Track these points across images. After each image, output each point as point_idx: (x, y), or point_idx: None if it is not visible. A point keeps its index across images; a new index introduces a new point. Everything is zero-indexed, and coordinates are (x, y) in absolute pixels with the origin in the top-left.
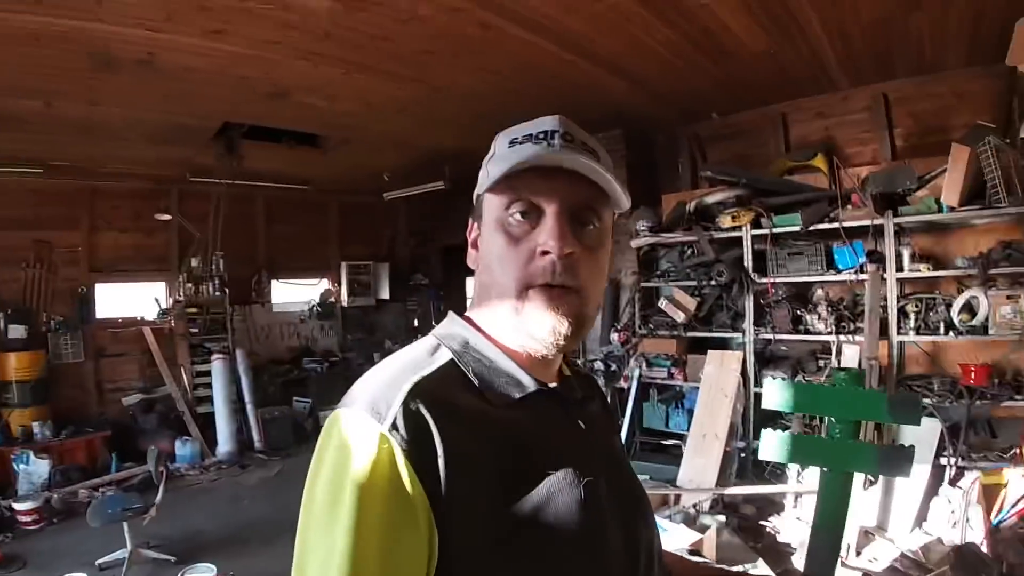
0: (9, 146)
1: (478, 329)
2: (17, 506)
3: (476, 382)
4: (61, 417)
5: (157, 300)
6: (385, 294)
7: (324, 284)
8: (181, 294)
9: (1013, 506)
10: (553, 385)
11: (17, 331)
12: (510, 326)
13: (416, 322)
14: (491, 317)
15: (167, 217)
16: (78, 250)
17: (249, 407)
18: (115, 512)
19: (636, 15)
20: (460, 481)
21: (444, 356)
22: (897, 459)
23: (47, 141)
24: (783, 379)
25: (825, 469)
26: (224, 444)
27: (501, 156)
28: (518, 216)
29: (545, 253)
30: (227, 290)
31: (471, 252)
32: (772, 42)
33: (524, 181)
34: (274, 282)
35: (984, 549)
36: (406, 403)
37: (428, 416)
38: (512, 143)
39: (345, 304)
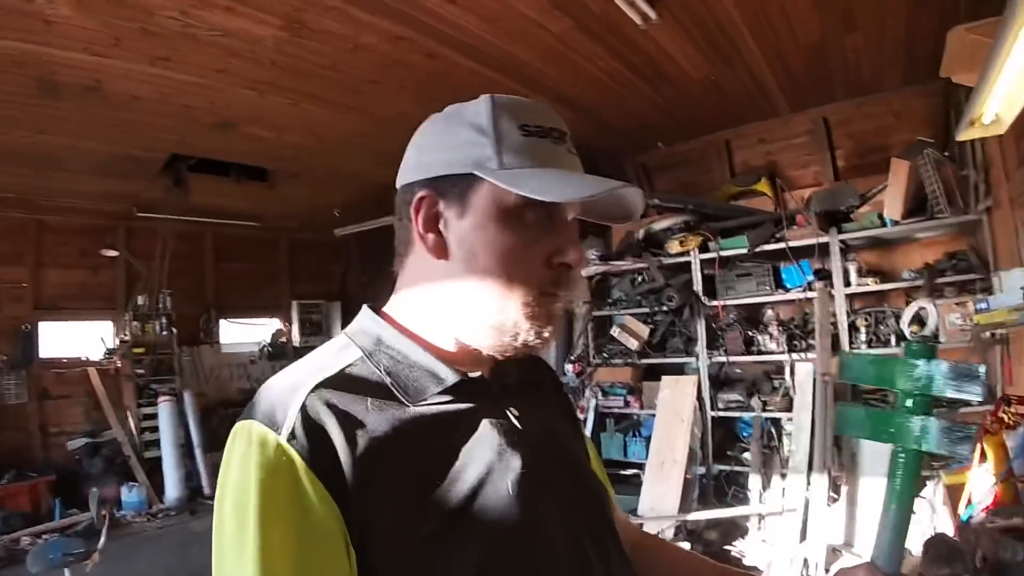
0: None
1: (394, 324)
2: None
3: (387, 379)
4: (3, 460)
5: (103, 339)
6: (338, 333)
7: (275, 324)
8: (127, 333)
9: (979, 502)
10: (477, 374)
11: None
12: (488, 326)
13: None
14: (428, 306)
15: (114, 253)
16: (23, 286)
17: (198, 451)
18: (56, 557)
19: (579, 44)
20: (370, 486)
21: (353, 354)
22: (960, 437)
23: None
24: (855, 354)
25: (898, 448)
26: (172, 490)
27: (517, 145)
28: (539, 218)
29: (564, 265)
30: (175, 330)
31: (427, 236)
32: (713, 69)
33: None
34: (223, 322)
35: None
36: (304, 409)
37: (330, 421)
38: (525, 131)
39: (297, 344)
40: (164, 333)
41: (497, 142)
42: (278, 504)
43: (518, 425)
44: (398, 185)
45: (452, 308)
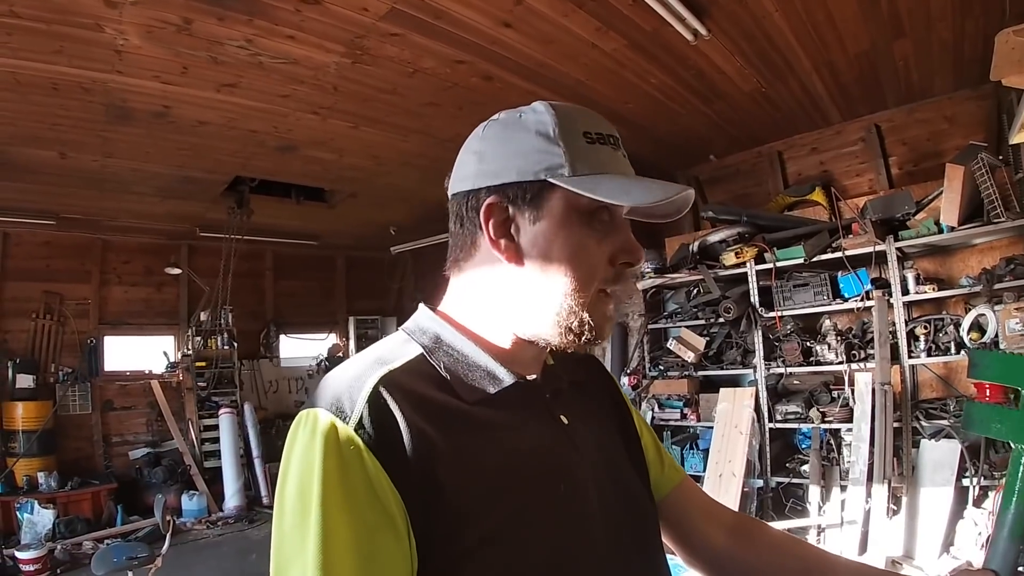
0: (23, 196)
1: (452, 323)
2: (20, 555)
3: (447, 376)
4: (67, 468)
5: (165, 353)
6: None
7: (332, 339)
8: (190, 348)
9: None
10: (533, 377)
11: (25, 381)
12: (557, 325)
13: None
14: (486, 307)
15: (177, 271)
16: (88, 302)
17: (257, 461)
18: (120, 561)
19: (631, 61)
20: (431, 481)
21: (414, 350)
22: None
23: (60, 193)
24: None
25: (1021, 447)
26: (231, 498)
27: (583, 151)
28: (606, 216)
29: (627, 264)
30: (235, 344)
31: (500, 241)
32: (763, 81)
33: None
34: (282, 337)
35: None
36: (372, 398)
37: (396, 412)
38: (588, 137)
39: None
40: (225, 347)
41: (567, 150)
42: (343, 490)
43: (570, 428)
44: (453, 191)
45: (521, 309)
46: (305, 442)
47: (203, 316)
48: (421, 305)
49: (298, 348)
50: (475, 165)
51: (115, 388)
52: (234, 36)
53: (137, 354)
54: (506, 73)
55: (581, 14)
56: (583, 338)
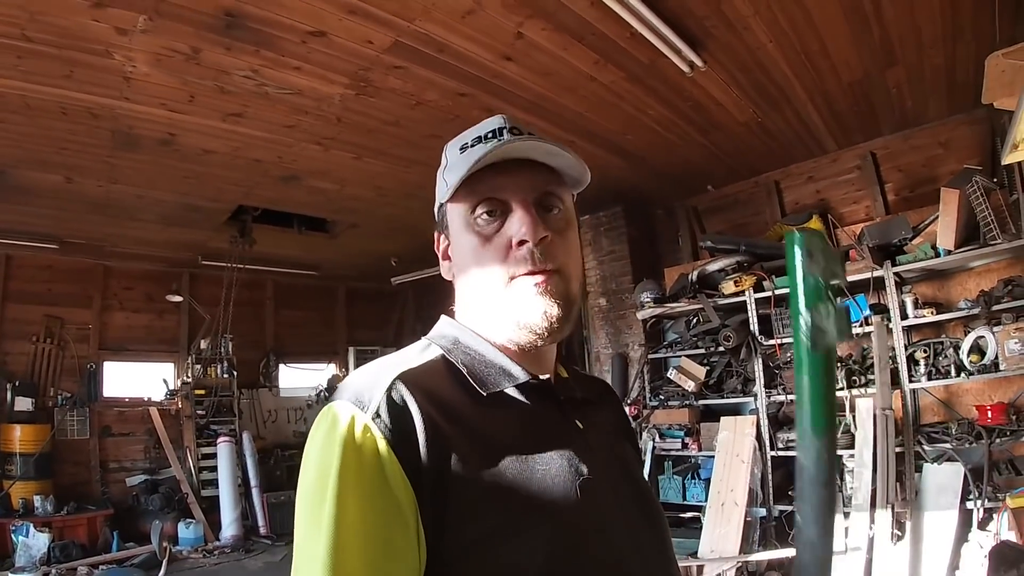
0: (27, 219)
1: (467, 328)
2: None
3: (465, 373)
4: (63, 492)
5: (165, 381)
6: None
7: (332, 369)
8: (189, 375)
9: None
10: (546, 377)
11: (24, 403)
12: (499, 319)
13: None
14: (478, 316)
15: (178, 299)
16: (89, 327)
17: (255, 491)
18: None
19: (629, 93)
20: (444, 473)
21: (434, 352)
22: None
23: (64, 217)
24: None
25: None
26: (228, 528)
27: (455, 163)
28: (485, 216)
29: (521, 243)
30: (235, 373)
31: (444, 264)
32: (759, 111)
33: (483, 181)
34: (282, 366)
35: None
36: (389, 391)
37: (412, 406)
38: (463, 148)
39: None
40: (225, 376)
41: (444, 170)
42: (356, 478)
43: (585, 434)
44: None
45: (476, 317)
46: (325, 431)
47: (203, 344)
48: (443, 315)
49: (298, 378)
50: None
51: (114, 414)
52: (241, 66)
53: (136, 380)
54: (507, 105)
55: (580, 47)
56: (531, 327)
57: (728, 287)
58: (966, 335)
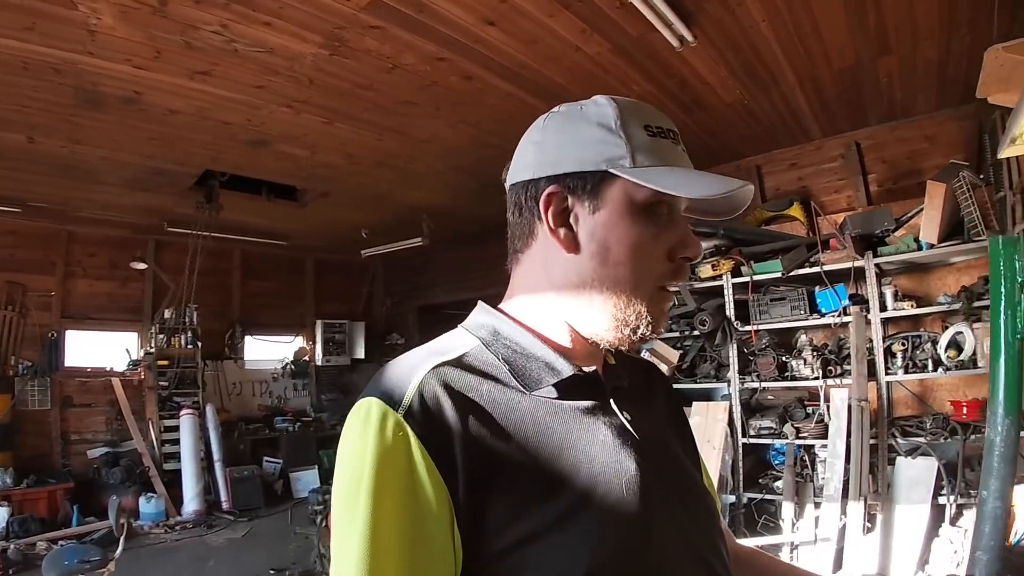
0: None
1: (509, 317)
2: None
3: (505, 367)
4: (23, 465)
5: (128, 351)
6: (360, 354)
7: (298, 342)
8: (153, 346)
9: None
10: (592, 369)
11: None
12: (613, 318)
13: None
14: (580, 305)
15: (143, 266)
16: (51, 295)
17: (217, 465)
18: (72, 564)
19: (614, 66)
20: (481, 471)
21: (471, 342)
22: None
23: (27, 179)
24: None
25: None
26: (190, 502)
27: (645, 144)
28: (665, 214)
29: (688, 259)
30: (200, 344)
31: (560, 231)
32: (746, 93)
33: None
34: (248, 338)
35: None
36: (422, 387)
37: (446, 401)
38: (649, 131)
39: (319, 363)
40: (189, 347)
41: (628, 142)
42: (390, 478)
43: (630, 428)
44: (511, 182)
45: (576, 300)
46: (357, 429)
47: (167, 313)
48: (480, 302)
49: (263, 350)
50: (535, 155)
51: (75, 384)
52: (209, 20)
53: (99, 350)
54: (487, 73)
55: (567, 15)
56: (639, 332)
57: (705, 271)
58: (944, 330)
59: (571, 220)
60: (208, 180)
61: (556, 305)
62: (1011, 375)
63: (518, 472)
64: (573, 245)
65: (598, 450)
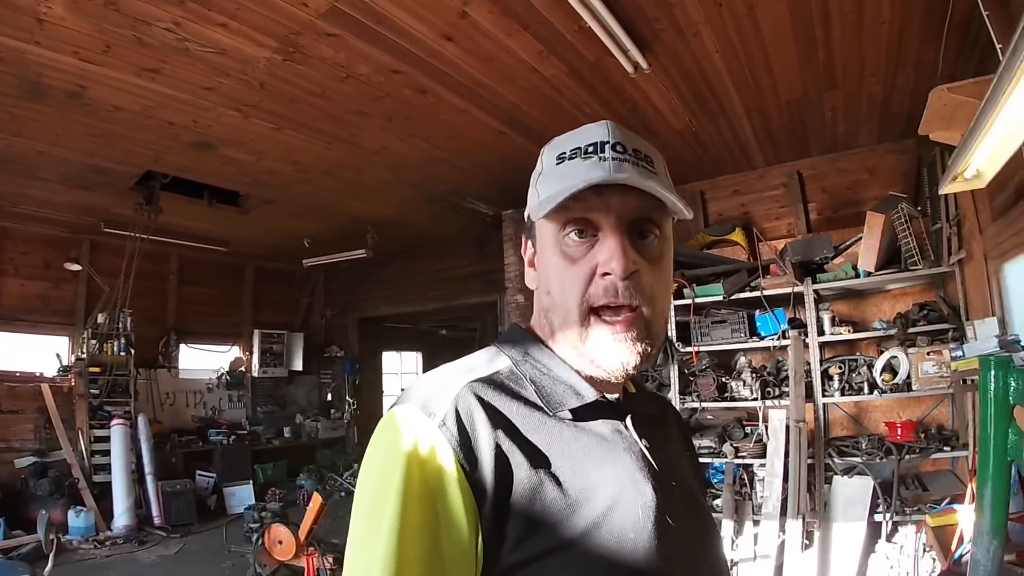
0: None
1: (540, 340)
2: None
3: (532, 387)
4: None
5: (59, 356)
6: (298, 365)
7: (235, 352)
8: (84, 351)
9: (971, 540)
10: (615, 397)
11: None
12: (575, 352)
13: (329, 396)
14: (555, 337)
15: (77, 267)
16: None
17: (149, 478)
18: None
19: (569, 89)
20: (507, 486)
21: (503, 362)
22: None
23: None
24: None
25: None
26: (121, 517)
27: (550, 174)
28: (574, 236)
29: (606, 274)
30: (133, 351)
31: (529, 271)
32: (694, 120)
33: (576, 199)
34: (182, 346)
35: None
36: (457, 401)
37: (480, 416)
38: (560, 159)
39: (256, 374)
40: (122, 354)
41: (537, 180)
42: (420, 486)
43: (648, 456)
44: None
45: (551, 333)
46: (391, 436)
47: (101, 318)
48: (513, 323)
49: (198, 360)
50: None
51: (3, 389)
52: (163, 17)
53: (29, 354)
54: (442, 88)
55: (525, 35)
56: (604, 372)
57: None
58: (880, 354)
59: (535, 261)
60: (149, 181)
61: (560, 344)
62: (999, 498)
63: (541, 489)
64: (534, 283)
65: (618, 474)
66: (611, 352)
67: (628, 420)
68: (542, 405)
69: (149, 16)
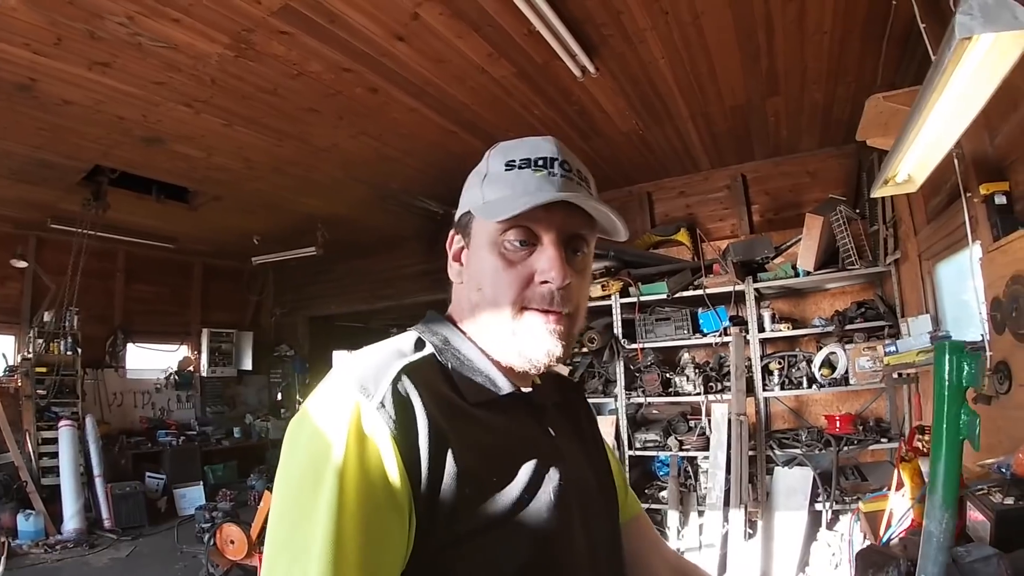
0: None
1: (459, 330)
2: None
3: (453, 376)
4: None
5: (4, 356)
6: (248, 365)
7: (183, 351)
8: (30, 351)
9: (899, 522)
10: (527, 390)
11: None
12: (503, 344)
13: (280, 395)
14: (480, 330)
15: (23, 264)
16: None
17: (98, 481)
18: None
19: (517, 90)
20: (438, 469)
21: (428, 349)
22: None
23: None
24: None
25: None
26: (70, 520)
27: (497, 179)
28: (516, 243)
29: (545, 282)
30: (80, 350)
31: (453, 264)
32: (641, 123)
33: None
34: (130, 345)
35: None
36: (395, 383)
37: (416, 400)
38: (509, 165)
39: (204, 374)
40: (69, 353)
41: (482, 181)
42: (358, 465)
43: (556, 441)
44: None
45: (471, 325)
46: (326, 413)
47: (47, 317)
48: (430, 311)
49: (146, 359)
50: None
51: None
52: (116, 11)
53: None
54: (392, 87)
55: (475, 37)
56: (528, 363)
57: (595, 290)
58: (819, 350)
59: (462, 256)
60: (97, 176)
61: (482, 335)
62: (951, 472)
63: (467, 475)
64: (459, 276)
65: (532, 461)
66: (540, 343)
67: (539, 411)
68: (463, 393)
69: (103, 10)
